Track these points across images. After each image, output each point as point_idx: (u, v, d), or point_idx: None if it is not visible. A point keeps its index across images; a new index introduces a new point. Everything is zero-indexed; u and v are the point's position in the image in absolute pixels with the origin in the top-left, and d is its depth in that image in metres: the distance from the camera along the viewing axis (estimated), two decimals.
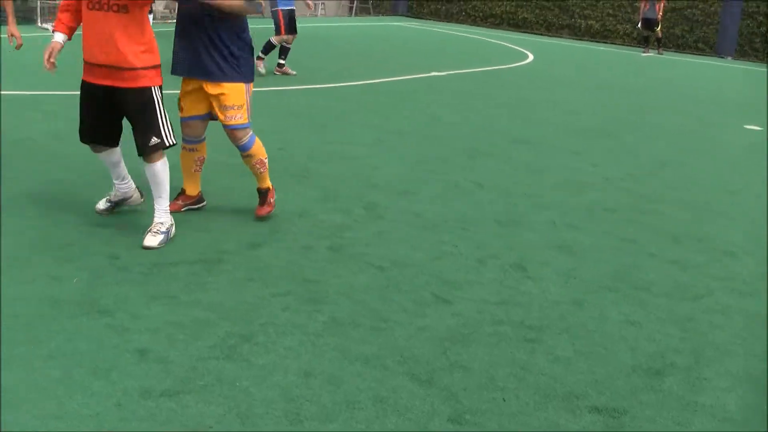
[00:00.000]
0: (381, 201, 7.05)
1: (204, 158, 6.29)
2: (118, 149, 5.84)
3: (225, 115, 5.87)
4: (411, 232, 6.35)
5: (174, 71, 5.97)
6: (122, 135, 5.77)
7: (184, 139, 6.13)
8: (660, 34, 26.62)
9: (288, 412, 3.73)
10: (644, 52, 25.97)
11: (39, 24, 18.47)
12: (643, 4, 26.12)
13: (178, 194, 6.29)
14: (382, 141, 9.51)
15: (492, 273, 5.69)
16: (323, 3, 30.91)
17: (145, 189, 5.97)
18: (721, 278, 6.05)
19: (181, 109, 6.08)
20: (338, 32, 23.83)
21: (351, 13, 32.77)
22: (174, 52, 5.94)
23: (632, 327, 5.05)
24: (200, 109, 6.02)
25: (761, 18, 27.61)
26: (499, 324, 4.89)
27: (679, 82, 19.21)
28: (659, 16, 25.91)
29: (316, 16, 29.95)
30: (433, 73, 15.85)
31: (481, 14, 32.48)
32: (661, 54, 26.38)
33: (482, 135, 10.49)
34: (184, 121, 6.10)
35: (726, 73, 22.73)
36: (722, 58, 27.46)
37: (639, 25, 26.69)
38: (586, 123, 12.15)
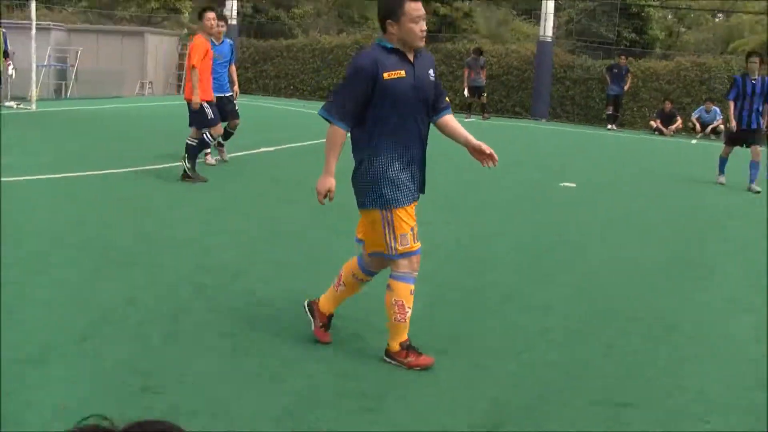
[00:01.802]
0: (213, 282, 7.03)
1: None
2: None
3: None
4: (246, 310, 6.36)
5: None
6: None
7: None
8: (485, 100, 27.70)
9: None
10: (467, 118, 26.79)
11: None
12: (467, 72, 27.19)
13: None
14: (211, 223, 9.43)
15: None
16: (150, 82, 30.59)
17: None
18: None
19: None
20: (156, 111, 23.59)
21: (179, 91, 32.50)
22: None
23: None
24: None
25: (569, 83, 29.16)
26: None
27: (503, 145, 19.84)
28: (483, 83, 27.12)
29: (143, 95, 29.62)
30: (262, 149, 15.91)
31: (309, 88, 32.75)
32: (487, 118, 27.34)
33: None
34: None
35: (542, 134, 23.70)
36: (537, 120, 28.63)
37: (466, 93, 27.63)
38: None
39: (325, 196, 5.28)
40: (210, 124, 12.11)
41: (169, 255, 7.80)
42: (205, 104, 12.04)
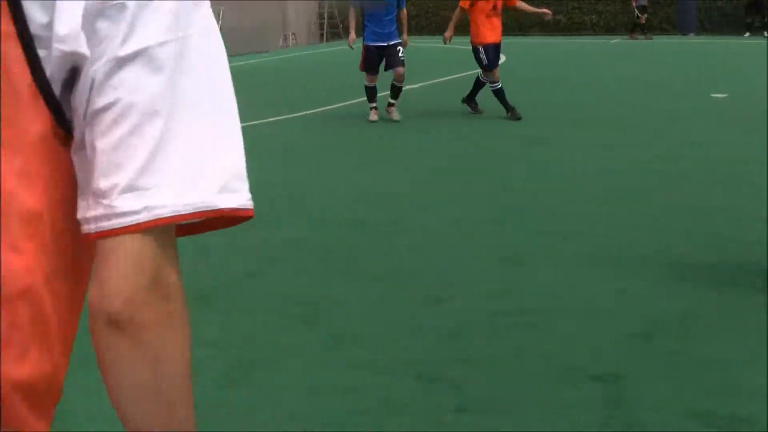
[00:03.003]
0: (372, 216, 7.21)
1: None
2: None
3: None
4: (404, 239, 6.52)
5: None
6: None
7: None
8: (644, 20, 27.26)
9: (296, 429, 3.87)
10: (633, 38, 26.52)
11: None
12: None
13: None
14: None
15: (488, 266, 5.88)
16: (293, 33, 31.06)
17: None
18: (699, 243, 6.24)
19: None
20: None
21: (322, 40, 32.91)
22: None
23: (625, 296, 5.23)
24: None
25: None
26: (497, 314, 5.06)
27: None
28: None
29: (287, 47, 30.09)
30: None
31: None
32: (651, 38, 26.93)
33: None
34: None
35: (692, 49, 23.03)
36: (685, 35, 27.81)
37: (637, 12, 27.26)
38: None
39: None
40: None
41: None
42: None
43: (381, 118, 12.30)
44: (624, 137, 10.57)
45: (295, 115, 13.12)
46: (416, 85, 14.78)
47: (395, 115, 12.28)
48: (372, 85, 12.32)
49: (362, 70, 12.34)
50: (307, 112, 13.39)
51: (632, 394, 4.03)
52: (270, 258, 6.18)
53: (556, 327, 4.84)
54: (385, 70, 12.17)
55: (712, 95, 13.57)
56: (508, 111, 11.98)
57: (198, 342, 4.72)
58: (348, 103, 14.14)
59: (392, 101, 12.35)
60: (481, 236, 6.60)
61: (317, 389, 4.22)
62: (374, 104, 12.37)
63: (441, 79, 17.10)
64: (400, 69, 12.00)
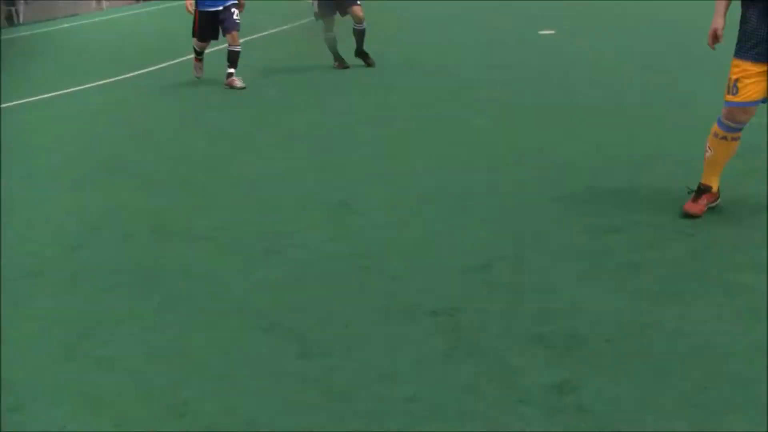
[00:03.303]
0: (196, 176, 7.07)
1: None
2: None
3: None
4: (231, 195, 6.42)
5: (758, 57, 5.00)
6: None
7: (729, 127, 5.23)
8: None
9: (139, 390, 3.78)
10: None
11: None
12: None
13: (698, 191, 5.34)
14: (186, 119, 9.43)
15: (318, 215, 5.84)
16: None
17: None
18: (531, 172, 6.39)
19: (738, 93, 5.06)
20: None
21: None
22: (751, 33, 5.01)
23: (457, 232, 5.30)
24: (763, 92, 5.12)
25: None
26: (331, 260, 5.05)
27: None
28: None
29: (101, 10, 29.18)
30: None
31: None
32: None
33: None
34: (744, 107, 5.07)
35: None
36: None
37: None
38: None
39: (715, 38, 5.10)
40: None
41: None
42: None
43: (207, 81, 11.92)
44: (450, 81, 10.66)
45: (114, 79, 12.70)
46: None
47: (238, 83, 11.20)
48: (201, 49, 11.65)
49: (195, 38, 11.47)
50: (126, 75, 12.97)
51: (471, 324, 4.10)
52: (97, 227, 5.98)
53: (391, 268, 4.87)
54: (224, 35, 11.27)
55: (539, 32, 13.85)
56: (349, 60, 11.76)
57: (30, 316, 4.61)
58: (169, 63, 13.82)
59: (231, 70, 11.33)
60: (308, 185, 6.56)
61: (154, 353, 4.13)
62: (200, 57, 11.73)
63: (268, 32, 16.87)
64: (235, 33, 11.13)
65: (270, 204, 6.18)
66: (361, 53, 11.88)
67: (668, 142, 6.91)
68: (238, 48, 11.27)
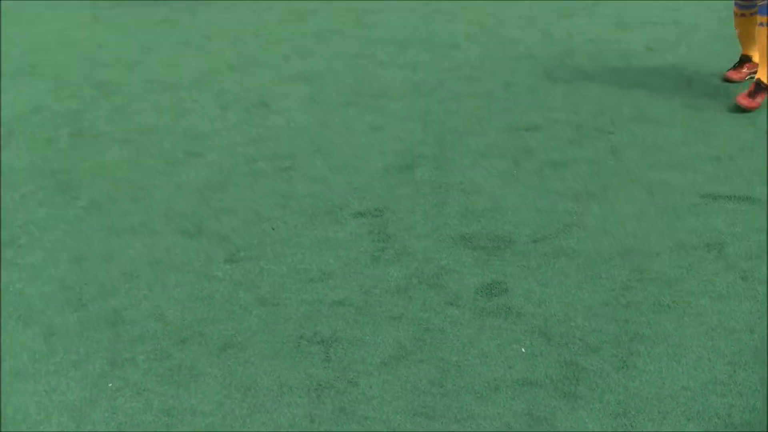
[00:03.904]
0: (111, 77, 6.90)
1: None
2: None
3: None
4: (148, 99, 6.30)
5: None
6: None
7: (740, 5, 5.45)
8: None
9: (69, 299, 3.76)
10: None
11: None
12: None
13: (740, 61, 5.77)
14: (100, 18, 9.18)
15: (237, 116, 5.77)
16: None
17: None
18: (449, 70, 6.36)
19: None
20: None
21: None
22: None
23: (378, 132, 5.29)
24: None
25: None
26: (252, 162, 5.01)
27: None
28: None
29: None
30: None
31: None
32: None
33: None
34: None
35: None
36: None
37: None
38: None
39: None
40: None
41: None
42: None
43: None
44: None
45: None
46: None
47: None
48: None
49: None
50: None
51: (398, 225, 4.15)
52: (15, 131, 5.81)
53: (314, 169, 4.86)
54: None
55: None
56: None
57: None
58: None
59: None
60: (225, 84, 6.47)
61: (81, 258, 4.09)
62: None
63: None
64: None
65: (187, 105, 6.08)
66: None
67: (580, 38, 6.93)
68: None
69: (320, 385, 3.12)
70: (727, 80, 5.71)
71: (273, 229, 4.21)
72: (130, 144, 5.45)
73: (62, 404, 3.14)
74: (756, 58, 5.61)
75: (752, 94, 5.27)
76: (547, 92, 5.76)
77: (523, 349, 3.21)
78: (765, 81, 5.21)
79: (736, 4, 5.49)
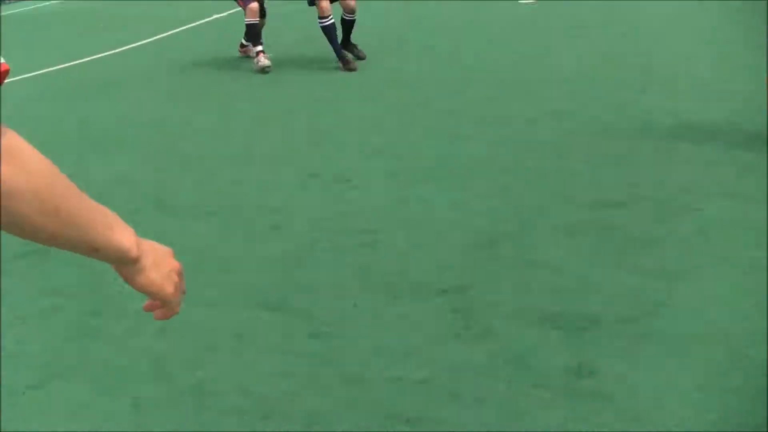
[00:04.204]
0: (194, 151, 7.00)
1: None
2: None
3: None
4: (231, 172, 6.37)
5: None
6: None
7: None
8: None
9: (156, 367, 3.77)
10: None
11: None
12: None
13: None
14: (180, 94, 9.32)
15: (318, 190, 5.80)
16: None
17: None
18: (527, 144, 6.36)
19: None
20: None
21: None
22: None
23: (459, 209, 5.28)
24: None
25: None
26: (334, 237, 5.02)
27: None
28: None
29: None
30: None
31: None
32: None
33: None
34: None
35: None
36: None
37: None
38: None
39: None
40: None
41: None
42: None
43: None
44: (437, 58, 10.58)
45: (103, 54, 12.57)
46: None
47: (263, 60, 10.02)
48: (254, 21, 10.01)
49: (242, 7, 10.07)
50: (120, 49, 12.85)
51: (482, 304, 4.10)
52: (101, 202, 5.89)
53: (397, 244, 4.85)
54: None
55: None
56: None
57: (44, 290, 4.56)
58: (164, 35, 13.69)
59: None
60: (306, 159, 6.52)
61: (165, 327, 4.10)
62: (260, 47, 10.07)
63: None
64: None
65: (270, 179, 6.13)
66: (348, 45, 10.18)
67: (660, 110, 6.88)
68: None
69: None
70: None
71: (355, 305, 4.19)
72: (212, 217, 5.50)
73: None
74: None
75: None
76: (629, 166, 5.71)
77: None
78: None
79: None
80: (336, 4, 9.66)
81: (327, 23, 9.51)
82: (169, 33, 13.25)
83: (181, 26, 13.70)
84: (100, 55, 11.97)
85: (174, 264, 1.51)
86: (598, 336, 3.74)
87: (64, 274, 4.82)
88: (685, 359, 3.53)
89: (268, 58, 9.97)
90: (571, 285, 4.21)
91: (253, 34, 10.00)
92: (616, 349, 3.63)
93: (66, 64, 11.37)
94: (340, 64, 9.67)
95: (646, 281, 4.18)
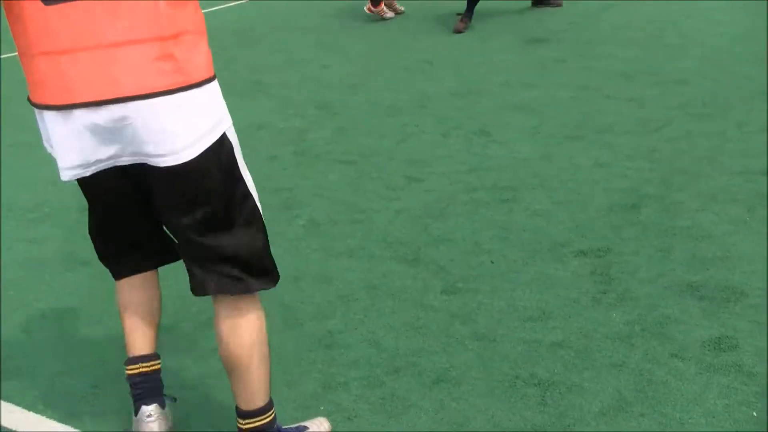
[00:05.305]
0: (335, 98, 7.02)
1: None
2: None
3: None
4: (371, 121, 6.36)
5: None
6: None
7: None
8: None
9: (285, 317, 3.80)
10: None
11: None
12: None
13: None
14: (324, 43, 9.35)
15: (458, 143, 5.74)
16: None
17: None
18: (678, 106, 6.13)
19: None
20: None
21: None
22: None
23: (602, 169, 5.14)
24: None
25: None
26: (473, 191, 4.96)
27: None
28: None
29: None
30: None
31: None
32: None
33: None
34: None
35: None
36: None
37: None
38: None
39: None
40: None
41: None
42: None
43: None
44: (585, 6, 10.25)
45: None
46: None
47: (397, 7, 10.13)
48: None
49: None
50: None
51: (621, 268, 3.99)
52: (243, 147, 5.94)
53: (536, 202, 4.76)
54: None
55: None
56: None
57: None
58: None
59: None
60: (446, 111, 6.45)
61: (299, 278, 4.13)
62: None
63: None
64: None
65: (409, 130, 6.10)
66: None
67: None
68: None
69: (535, 429, 3.01)
70: None
71: (492, 262, 4.14)
72: (350, 166, 5.51)
73: None
74: None
75: None
76: None
77: (754, 413, 3.00)
78: None
79: None
80: None
81: None
82: None
83: None
84: (231, 4, 12.05)
85: None
86: (741, 308, 3.60)
87: None
88: None
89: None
90: (716, 254, 4.05)
91: None
92: (758, 324, 3.48)
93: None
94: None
95: None
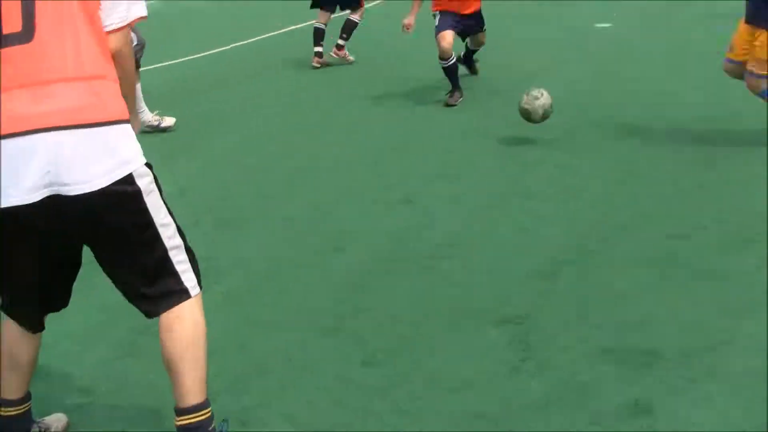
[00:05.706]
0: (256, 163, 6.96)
1: None
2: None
3: None
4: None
5: None
6: None
7: None
8: None
9: None
10: None
11: None
12: None
13: None
14: None
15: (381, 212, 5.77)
16: None
17: None
18: (594, 172, 6.25)
19: None
20: None
21: None
22: None
23: (523, 235, 5.20)
24: None
25: None
26: (395, 261, 4.97)
27: None
28: None
29: None
30: None
31: None
32: None
33: None
34: None
35: None
36: None
37: None
38: None
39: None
40: None
41: None
42: None
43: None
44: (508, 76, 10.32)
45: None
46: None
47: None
48: (321, 26, 10.68)
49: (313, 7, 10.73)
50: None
51: (540, 335, 4.00)
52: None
53: (456, 270, 4.77)
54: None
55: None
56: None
57: (97, 306, 4.49)
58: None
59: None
60: (371, 178, 6.49)
61: (215, 350, 4.02)
62: (320, 48, 10.64)
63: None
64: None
65: (334, 199, 6.08)
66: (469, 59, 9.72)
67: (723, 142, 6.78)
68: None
69: None
70: None
71: (411, 332, 4.12)
72: (288, 229, 5.52)
73: None
74: None
75: None
76: (692, 199, 5.59)
77: None
78: None
79: None
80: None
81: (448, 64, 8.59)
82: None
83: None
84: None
85: None
86: (657, 372, 3.64)
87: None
88: (742, 397, 3.42)
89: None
90: (633, 318, 4.11)
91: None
92: (674, 387, 3.52)
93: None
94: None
95: (709, 317, 4.07)
